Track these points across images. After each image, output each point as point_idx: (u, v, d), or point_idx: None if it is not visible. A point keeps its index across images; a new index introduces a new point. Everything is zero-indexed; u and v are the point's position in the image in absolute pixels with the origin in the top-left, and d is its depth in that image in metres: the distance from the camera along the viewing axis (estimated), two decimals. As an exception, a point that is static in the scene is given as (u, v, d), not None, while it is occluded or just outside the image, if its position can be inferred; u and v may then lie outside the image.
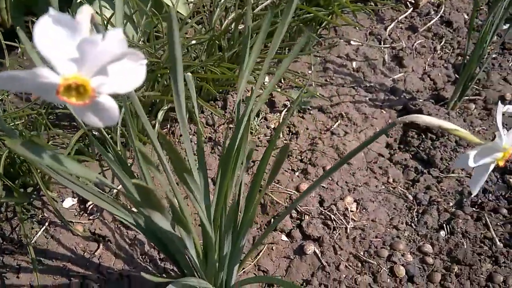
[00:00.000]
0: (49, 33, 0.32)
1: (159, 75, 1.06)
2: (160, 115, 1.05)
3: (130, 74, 0.34)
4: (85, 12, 0.40)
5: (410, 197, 1.11)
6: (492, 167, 0.46)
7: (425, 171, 1.18)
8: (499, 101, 0.47)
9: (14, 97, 1.24)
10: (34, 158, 0.39)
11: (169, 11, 0.42)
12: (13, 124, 0.95)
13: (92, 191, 0.62)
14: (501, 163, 0.45)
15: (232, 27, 1.22)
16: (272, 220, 1.07)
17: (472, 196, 1.10)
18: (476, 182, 0.47)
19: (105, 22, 1.03)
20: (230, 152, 0.75)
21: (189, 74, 0.52)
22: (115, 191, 1.07)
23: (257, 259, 1.00)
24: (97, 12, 1.17)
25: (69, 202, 1.06)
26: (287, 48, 1.40)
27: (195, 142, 1.21)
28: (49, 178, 1.02)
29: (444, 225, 1.05)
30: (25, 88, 0.33)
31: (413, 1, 1.65)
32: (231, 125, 1.26)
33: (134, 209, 0.75)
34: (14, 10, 1.50)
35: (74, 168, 0.46)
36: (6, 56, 1.08)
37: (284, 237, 1.04)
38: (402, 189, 1.13)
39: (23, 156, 0.47)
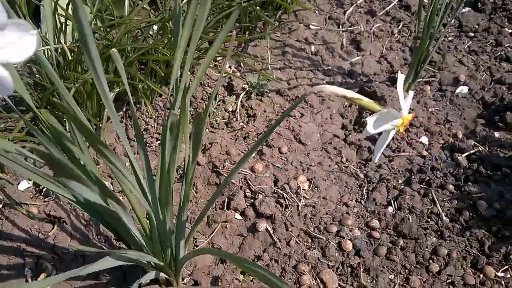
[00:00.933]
0: None
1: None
2: (112, 96, 1.06)
3: (20, 44, 0.36)
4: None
5: (361, 176, 1.15)
6: (392, 133, 0.49)
7: (377, 150, 1.21)
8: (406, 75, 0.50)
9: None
10: None
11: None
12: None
13: (25, 166, 0.63)
14: (401, 129, 0.48)
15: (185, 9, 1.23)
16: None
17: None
18: (378, 149, 0.50)
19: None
20: (167, 128, 0.77)
21: (115, 50, 0.54)
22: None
23: (211, 237, 1.03)
24: None
25: (24, 184, 1.07)
26: (246, 32, 1.42)
27: (152, 125, 1.22)
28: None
29: (392, 201, 1.09)
30: None
31: (373, -15, 1.68)
32: (190, 109, 1.28)
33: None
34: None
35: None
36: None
37: (238, 216, 1.06)
38: (355, 168, 1.17)
39: None
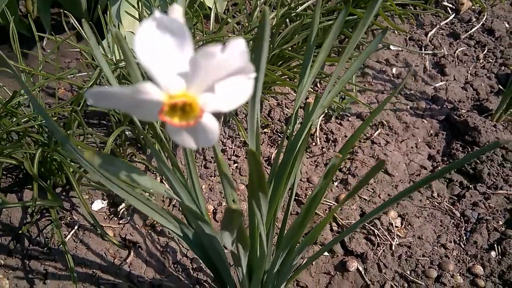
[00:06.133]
0: (153, 40, 0.26)
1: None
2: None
3: (238, 89, 0.29)
4: (177, 12, 0.35)
5: (457, 214, 1.05)
6: None
7: (471, 186, 1.11)
8: None
9: (45, 95, 1.19)
10: (112, 172, 0.34)
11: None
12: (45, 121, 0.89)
13: (143, 200, 0.57)
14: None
15: (273, 24, 1.16)
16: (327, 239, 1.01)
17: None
18: None
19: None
20: (286, 164, 0.70)
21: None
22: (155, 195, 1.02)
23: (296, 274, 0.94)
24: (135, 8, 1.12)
25: (98, 204, 1.01)
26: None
27: (230, 146, 1.15)
28: (79, 179, 0.97)
29: (495, 245, 0.99)
30: (121, 105, 0.28)
31: (454, 7, 1.59)
32: (265, 130, 1.21)
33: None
34: (40, 1, 1.45)
35: (145, 181, 0.40)
36: (39, 50, 1.03)
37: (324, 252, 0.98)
38: (448, 205, 1.07)
39: (98, 169, 0.41)
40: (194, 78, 0.26)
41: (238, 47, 0.25)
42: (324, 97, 0.66)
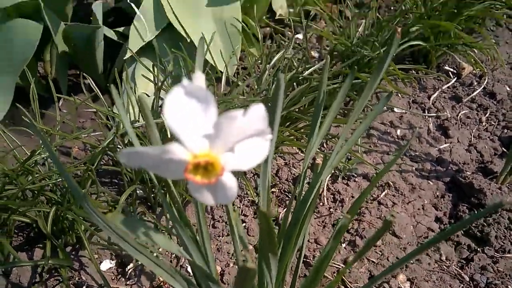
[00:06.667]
0: (180, 106, 0.29)
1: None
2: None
3: (255, 149, 0.31)
4: (200, 79, 0.38)
5: (466, 278, 1.04)
6: None
7: (479, 249, 1.11)
8: None
9: (59, 153, 1.22)
10: (132, 232, 0.35)
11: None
12: (60, 180, 0.92)
13: (154, 260, 0.58)
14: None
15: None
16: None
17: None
18: None
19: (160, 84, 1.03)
20: (295, 225, 0.71)
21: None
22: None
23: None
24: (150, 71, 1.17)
25: (107, 264, 1.01)
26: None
27: (238, 205, 1.16)
28: (89, 238, 0.97)
29: (507, 311, 0.97)
30: (148, 163, 0.30)
31: (455, 71, 1.65)
32: (272, 190, 1.22)
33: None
34: (59, 63, 1.51)
35: (159, 240, 0.42)
36: (57, 110, 1.07)
37: (332, 315, 0.96)
38: (457, 269, 1.06)
39: (120, 229, 0.43)
40: (217, 140, 0.28)
41: (258, 111, 0.28)
42: (333, 158, 0.69)
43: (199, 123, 0.29)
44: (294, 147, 1.30)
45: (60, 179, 0.90)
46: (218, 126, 0.29)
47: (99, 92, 1.14)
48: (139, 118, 1.13)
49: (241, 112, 0.28)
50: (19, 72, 1.25)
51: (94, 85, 1.17)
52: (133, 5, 1.46)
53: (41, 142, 0.94)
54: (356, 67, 1.21)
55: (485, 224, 1.15)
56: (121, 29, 1.52)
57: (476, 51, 1.64)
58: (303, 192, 0.71)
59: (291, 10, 1.86)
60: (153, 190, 1.06)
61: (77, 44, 1.40)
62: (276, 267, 0.60)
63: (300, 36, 1.79)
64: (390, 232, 1.13)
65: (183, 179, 0.31)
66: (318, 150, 1.33)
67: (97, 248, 1.02)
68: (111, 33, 1.48)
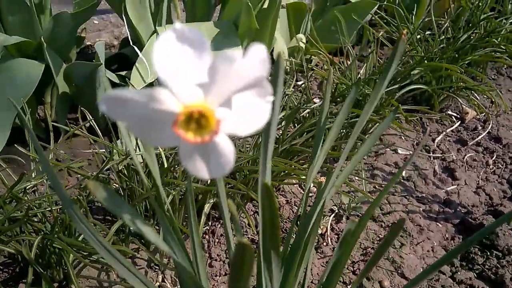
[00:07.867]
0: (171, 51, 0.26)
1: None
2: (207, 208, 0.97)
3: (254, 111, 0.28)
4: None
5: (483, 323, 0.96)
6: None
7: (495, 293, 1.04)
8: None
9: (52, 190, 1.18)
10: (117, 215, 0.31)
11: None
12: (49, 209, 0.87)
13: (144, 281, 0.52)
14: None
15: (282, 125, 1.19)
16: None
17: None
18: None
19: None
20: (296, 251, 0.66)
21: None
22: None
23: None
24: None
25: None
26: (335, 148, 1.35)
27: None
28: (78, 272, 0.91)
29: None
30: (131, 114, 0.26)
31: (458, 116, 1.63)
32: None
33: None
34: (59, 104, 1.50)
35: (147, 232, 0.37)
36: (52, 143, 1.04)
37: None
38: (472, 313, 0.99)
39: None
40: (212, 87, 0.25)
41: (259, 52, 0.24)
42: (337, 173, 0.65)
43: (192, 70, 0.26)
44: (295, 185, 1.26)
45: (49, 209, 0.86)
46: (213, 70, 0.25)
47: (99, 131, 1.11)
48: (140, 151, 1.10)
49: (240, 52, 0.25)
50: (18, 109, 1.23)
51: (95, 124, 1.14)
52: (135, 47, 1.47)
53: (33, 168, 0.90)
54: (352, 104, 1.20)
55: (499, 266, 1.08)
56: (123, 72, 1.53)
57: (478, 97, 1.64)
58: (307, 209, 0.67)
59: (293, 59, 1.88)
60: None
61: (78, 83, 1.40)
62: (278, 267, 0.55)
63: (300, 83, 1.80)
64: (399, 273, 1.06)
65: (172, 146, 0.27)
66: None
67: (88, 282, 0.95)
68: (112, 76, 1.48)
